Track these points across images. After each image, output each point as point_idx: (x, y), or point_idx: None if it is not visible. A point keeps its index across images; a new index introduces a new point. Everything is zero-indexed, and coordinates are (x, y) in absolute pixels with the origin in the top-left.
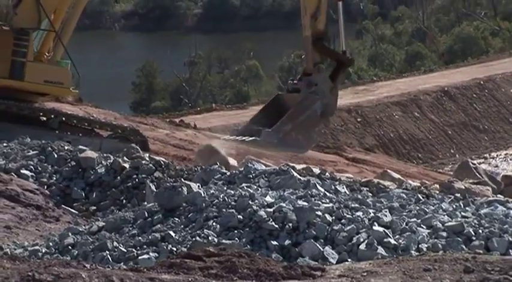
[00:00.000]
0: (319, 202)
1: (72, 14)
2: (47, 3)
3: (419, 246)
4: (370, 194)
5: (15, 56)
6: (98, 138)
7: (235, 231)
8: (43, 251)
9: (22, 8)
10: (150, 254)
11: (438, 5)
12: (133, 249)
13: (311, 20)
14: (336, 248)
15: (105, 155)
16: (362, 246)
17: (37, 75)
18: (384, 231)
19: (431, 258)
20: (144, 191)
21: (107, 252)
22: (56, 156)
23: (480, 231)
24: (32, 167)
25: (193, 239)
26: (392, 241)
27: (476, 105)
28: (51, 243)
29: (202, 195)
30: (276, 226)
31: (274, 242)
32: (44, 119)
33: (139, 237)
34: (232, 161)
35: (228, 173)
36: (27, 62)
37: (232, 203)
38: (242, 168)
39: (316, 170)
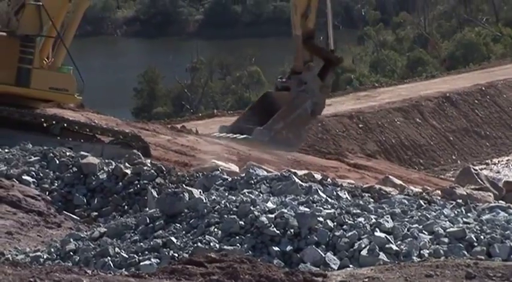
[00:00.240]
0: (321, 208)
1: (72, 19)
2: (48, 9)
3: (421, 252)
4: (372, 200)
5: (21, 63)
6: (99, 144)
7: (237, 237)
8: (45, 257)
9: (23, 14)
10: (152, 260)
11: (440, 11)
12: (135, 255)
13: (301, 19)
14: (338, 254)
15: (106, 161)
16: (364, 252)
17: (43, 82)
18: (385, 237)
19: (433, 264)
20: (145, 197)
21: (109, 258)
22: (57, 162)
23: (482, 237)
24: (33, 173)
25: (195, 245)
26: (394, 247)
27: (478, 111)
28: (52, 249)
29: (204, 201)
30: (278, 232)
31: (276, 248)
32: (46, 125)
33: (141, 243)
34: (234, 167)
35: (230, 179)
36: (33, 68)
37: (234, 209)
38: (244, 174)
39: (318, 176)
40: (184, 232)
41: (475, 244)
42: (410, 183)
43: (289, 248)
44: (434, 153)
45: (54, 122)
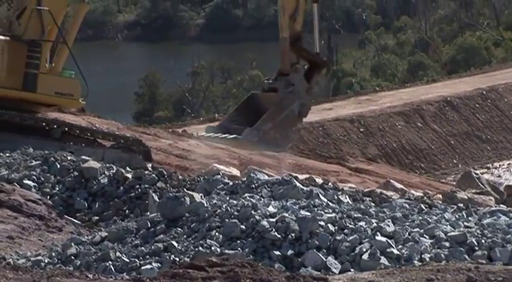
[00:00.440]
0: (322, 212)
1: (72, 24)
2: (47, 13)
3: (422, 256)
4: (373, 204)
5: (28, 68)
6: (100, 149)
7: (238, 242)
8: (46, 261)
9: (30, 19)
10: (153, 264)
11: (441, 15)
12: (136, 260)
13: (289, 21)
14: (339, 258)
15: (107, 165)
16: (365, 256)
17: (48, 87)
18: (386, 241)
19: (434, 268)
20: (146, 201)
21: (110, 262)
22: (58, 166)
23: (483, 241)
24: (34, 177)
25: (196, 249)
26: (395, 251)
27: (479, 115)
28: (53, 254)
29: (205, 205)
30: (279, 236)
31: (277, 252)
32: (47, 129)
33: (142, 248)
34: (235, 171)
35: (231, 183)
36: (39, 73)
37: (235, 213)
38: (245, 178)
39: (319, 180)
40: (185, 236)
41: (476, 248)
42: (411, 187)
43: (290, 252)
44: (436, 157)
45: (55, 126)
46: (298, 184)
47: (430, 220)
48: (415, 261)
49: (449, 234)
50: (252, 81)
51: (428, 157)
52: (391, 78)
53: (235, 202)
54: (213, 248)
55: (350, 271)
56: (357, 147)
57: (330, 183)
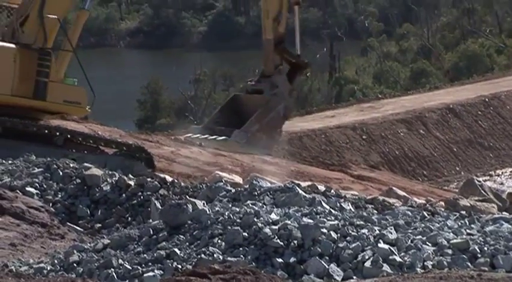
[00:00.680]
0: (325, 219)
1: (72, 31)
2: (51, 21)
3: (425, 263)
4: (376, 211)
5: (38, 76)
6: (103, 156)
7: (240, 249)
8: (48, 268)
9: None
10: (155, 271)
11: (443, 22)
12: (139, 267)
13: (273, 24)
14: (341, 266)
15: (110, 172)
16: (367, 264)
17: (57, 95)
18: (389, 248)
19: (436, 276)
20: (149, 209)
21: (112, 269)
22: (61, 173)
23: (485, 248)
24: (37, 185)
25: (199, 256)
26: (398, 258)
27: (482, 123)
28: (56, 261)
29: (207, 212)
30: (281, 243)
31: (279, 260)
32: (49, 136)
33: (145, 255)
34: (238, 178)
35: (233, 190)
36: (49, 82)
37: (238, 220)
38: (247, 186)
39: (322, 188)
40: (187, 243)
41: (479, 255)
42: (413, 195)
43: (292, 259)
44: (438, 165)
45: (57, 133)
46: (300, 191)
47: (432, 227)
48: (418, 269)
49: (451, 241)
50: None
51: (431, 164)
52: (393, 85)
53: (237, 209)
54: (215, 256)
55: (352, 278)
56: (359, 155)
57: (332, 191)
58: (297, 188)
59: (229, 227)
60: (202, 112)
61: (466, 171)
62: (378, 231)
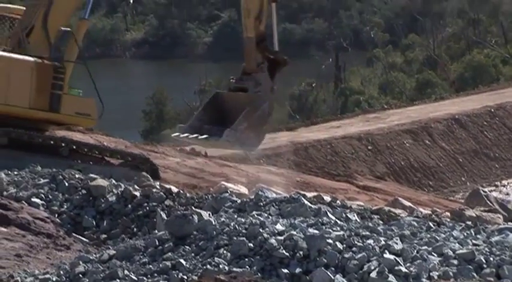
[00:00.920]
0: (330, 230)
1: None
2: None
3: (431, 274)
4: (381, 222)
5: (53, 89)
6: (108, 167)
7: (246, 259)
8: (54, 279)
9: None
10: None
11: (449, 33)
12: (144, 278)
13: (255, 22)
14: (347, 276)
15: (115, 183)
16: (373, 274)
17: (70, 107)
18: (394, 259)
19: None
20: (154, 219)
21: (118, 280)
22: (66, 184)
23: (491, 258)
24: (42, 195)
25: (204, 267)
26: (404, 269)
27: (487, 133)
28: (62, 272)
29: (213, 223)
30: (287, 254)
31: (285, 270)
32: (55, 147)
33: (150, 266)
34: (243, 189)
35: (239, 201)
36: (62, 94)
37: (243, 230)
38: (253, 196)
39: (327, 198)
40: (193, 254)
41: (485, 266)
42: (419, 205)
43: (298, 270)
44: (444, 175)
45: (63, 144)
46: (306, 202)
47: (438, 238)
48: (424, 279)
49: (457, 252)
50: None
51: (437, 175)
52: (399, 96)
53: (243, 220)
54: (221, 266)
55: None
56: (365, 165)
57: (338, 201)
58: (303, 198)
59: (234, 238)
60: None
61: (471, 181)
62: (383, 242)
